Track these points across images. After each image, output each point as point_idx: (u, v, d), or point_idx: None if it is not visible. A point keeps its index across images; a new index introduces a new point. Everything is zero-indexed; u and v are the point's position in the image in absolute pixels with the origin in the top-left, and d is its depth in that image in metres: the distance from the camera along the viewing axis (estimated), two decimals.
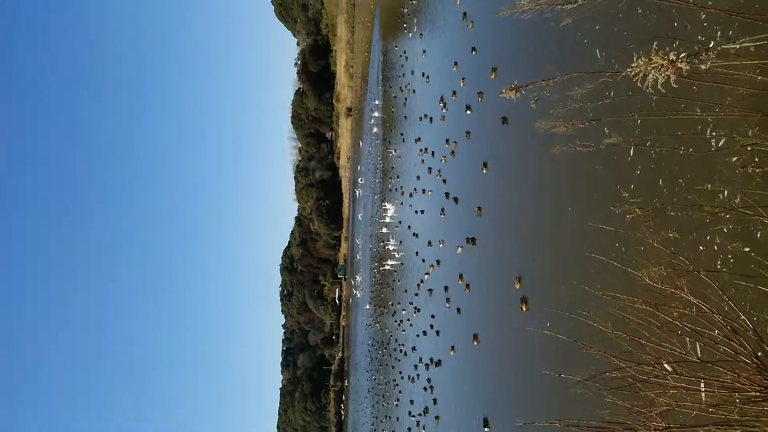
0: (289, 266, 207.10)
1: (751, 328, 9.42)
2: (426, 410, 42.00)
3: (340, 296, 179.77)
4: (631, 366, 10.41)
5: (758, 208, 10.36)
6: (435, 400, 39.44)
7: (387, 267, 73.72)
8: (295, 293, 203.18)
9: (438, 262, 40.34)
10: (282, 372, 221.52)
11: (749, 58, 10.17)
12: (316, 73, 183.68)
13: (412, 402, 47.95)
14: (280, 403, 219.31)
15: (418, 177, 50.43)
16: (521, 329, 22.15)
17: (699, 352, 10.31)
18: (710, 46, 9.97)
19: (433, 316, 41.17)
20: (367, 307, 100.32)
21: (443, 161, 39.61)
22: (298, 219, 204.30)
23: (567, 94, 12.11)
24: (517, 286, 22.96)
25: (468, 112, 32.46)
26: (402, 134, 65.56)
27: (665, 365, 9.77)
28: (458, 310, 33.45)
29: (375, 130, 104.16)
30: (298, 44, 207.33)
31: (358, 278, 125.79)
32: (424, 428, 41.32)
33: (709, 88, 11.78)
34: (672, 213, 12.49)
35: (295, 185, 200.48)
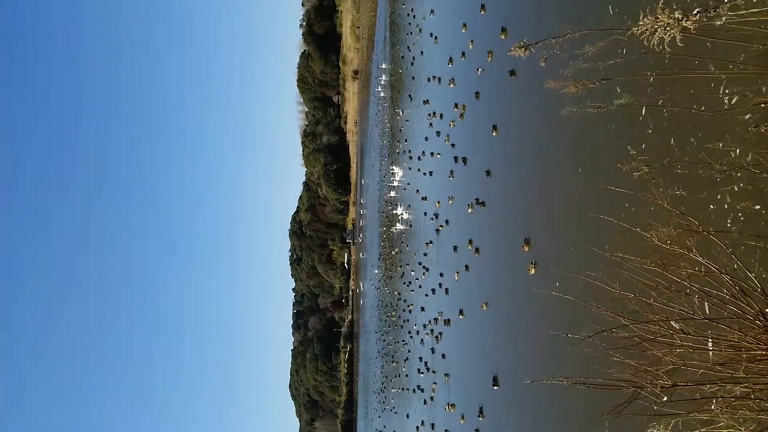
0: (297, 231, 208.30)
1: (759, 288, 9.46)
2: (434, 370, 42.79)
3: (348, 260, 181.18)
4: (638, 325, 10.52)
5: None
6: (444, 355, 40.10)
7: (395, 230, 74.03)
8: (304, 258, 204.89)
9: (447, 222, 40.41)
10: (293, 334, 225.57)
11: (765, 14, 9.92)
12: (321, 34, 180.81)
13: (421, 359, 48.78)
14: (291, 364, 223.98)
15: (426, 138, 50.10)
16: (529, 291, 22.32)
17: (707, 311, 10.38)
18: (724, 0, 9.71)
19: (441, 275, 41.49)
20: (376, 271, 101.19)
21: (452, 126, 39.24)
22: (306, 184, 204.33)
23: (577, 53, 11.88)
24: (526, 249, 23.03)
25: (477, 72, 31.99)
26: (410, 96, 64.86)
27: (673, 323, 9.87)
28: (466, 267, 33.64)
29: (382, 93, 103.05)
30: (303, 4, 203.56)
31: (367, 242, 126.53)
32: (434, 384, 42.13)
33: (723, 45, 11.52)
34: (680, 171, 12.39)
35: (303, 150, 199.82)
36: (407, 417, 56.59)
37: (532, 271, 22.24)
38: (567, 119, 16.28)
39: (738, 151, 11.26)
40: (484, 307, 29.39)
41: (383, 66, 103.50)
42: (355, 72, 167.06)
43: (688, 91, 12.43)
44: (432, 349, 44.45)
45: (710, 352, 9.67)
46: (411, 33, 67.28)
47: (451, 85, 39.94)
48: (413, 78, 63.43)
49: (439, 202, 43.83)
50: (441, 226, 42.02)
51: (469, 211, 32.56)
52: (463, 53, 36.24)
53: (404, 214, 67.61)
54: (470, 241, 32.63)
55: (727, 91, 11.50)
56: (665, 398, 10.18)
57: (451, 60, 40.49)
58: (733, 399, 9.30)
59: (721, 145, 11.63)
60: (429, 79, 50.11)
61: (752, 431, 9.01)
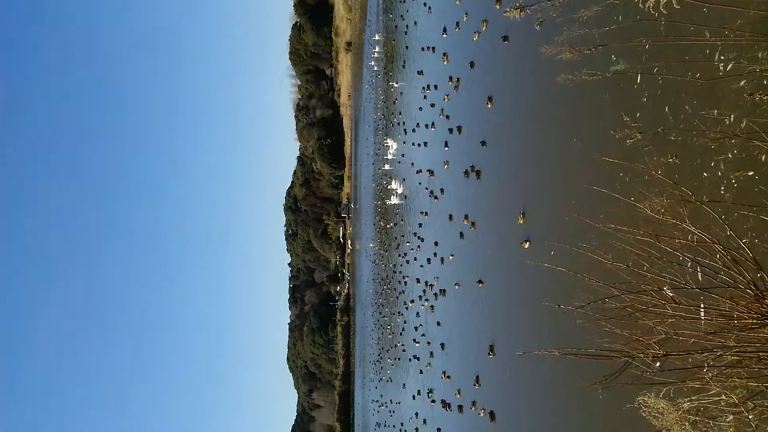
0: (292, 206, 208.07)
1: (751, 257, 9.45)
2: (429, 340, 43.23)
3: (344, 234, 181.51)
4: (630, 295, 10.54)
5: (763, 135, 10.16)
6: (438, 323, 40.44)
7: (390, 203, 73.99)
8: (299, 232, 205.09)
9: (442, 191, 40.30)
10: (290, 308, 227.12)
11: None
12: (313, 5, 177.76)
13: (416, 329, 49.23)
14: (288, 337, 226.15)
15: (421, 108, 49.66)
16: (523, 263, 22.37)
17: (699, 280, 10.39)
18: None
19: (436, 244, 41.59)
20: (371, 244, 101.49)
21: (446, 100, 38.83)
22: (300, 159, 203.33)
23: (573, 17, 11.65)
24: (521, 221, 23.01)
25: (474, 38, 31.47)
26: (404, 66, 64.13)
27: (665, 289, 9.89)
28: (461, 235, 33.67)
29: (375, 66, 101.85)
30: None
31: (362, 216, 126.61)
32: (431, 354, 42.60)
33: (719, 11, 11.31)
34: (674, 138, 12.28)
35: (296, 124, 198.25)
36: (403, 387, 57.39)
37: (527, 245, 22.26)
38: (562, 87, 16.06)
39: (732, 118, 11.13)
40: (480, 284, 29.51)
41: (376, 37, 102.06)
42: (348, 44, 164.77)
43: (683, 58, 12.24)
44: (427, 319, 44.83)
45: (702, 322, 9.71)
46: (404, 0, 66.17)
47: (445, 61, 39.43)
48: (407, 47, 62.63)
49: (433, 173, 43.65)
50: (436, 197, 41.93)
51: (465, 178, 32.42)
52: (458, 23, 35.68)
53: (399, 187, 67.47)
54: (466, 216, 32.60)
55: (722, 58, 11.32)
56: (657, 364, 10.26)
57: (445, 30, 39.89)
58: (723, 367, 9.37)
59: (715, 112, 11.50)
60: (423, 49, 49.46)
61: (741, 398, 9.10)
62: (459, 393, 33.36)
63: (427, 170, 45.55)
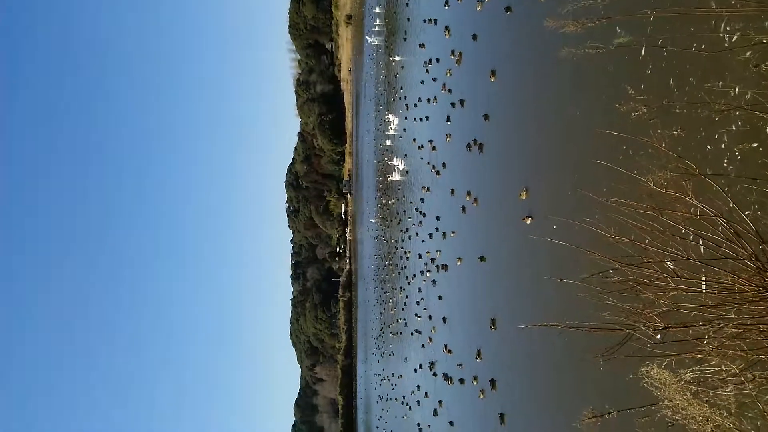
0: (294, 183, 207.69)
1: (753, 230, 9.46)
2: (431, 314, 43.57)
3: (345, 211, 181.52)
4: (632, 269, 10.58)
5: None
6: (440, 297, 40.71)
7: (392, 179, 73.81)
8: (301, 209, 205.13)
9: (444, 165, 40.19)
10: (292, 284, 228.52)
11: None
12: None
13: (418, 303, 49.60)
14: (291, 312, 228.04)
15: (422, 82, 49.24)
16: (525, 238, 22.41)
17: (702, 252, 10.42)
18: None
19: (438, 218, 41.63)
20: (373, 220, 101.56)
21: (448, 74, 38.44)
22: (301, 135, 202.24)
23: None
24: (524, 197, 22.97)
25: (477, 8, 31.02)
26: (405, 38, 63.38)
27: (667, 263, 9.93)
28: (463, 209, 33.71)
29: (376, 40, 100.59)
30: None
31: (364, 192, 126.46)
32: (433, 329, 42.98)
33: None
34: (679, 111, 12.18)
35: (297, 100, 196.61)
36: (405, 360, 58.03)
37: (529, 221, 22.27)
38: (566, 60, 15.90)
39: (737, 90, 11.03)
40: (482, 260, 29.58)
41: (377, 10, 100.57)
42: (348, 17, 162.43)
43: (689, 30, 12.08)
44: (429, 293, 45.10)
45: (703, 294, 9.77)
46: None
47: (447, 35, 38.95)
48: (408, 19, 61.79)
49: (435, 147, 43.48)
50: (438, 172, 41.82)
51: (467, 151, 32.29)
52: None
53: (400, 162, 67.24)
54: (468, 192, 32.53)
55: (728, 29, 11.17)
56: (658, 336, 10.36)
57: (447, 2, 39.33)
58: (724, 339, 9.46)
59: (720, 84, 11.40)
60: (425, 21, 48.81)
61: (742, 369, 9.20)
62: (461, 366, 33.75)
63: (430, 143, 45.35)
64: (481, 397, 28.65)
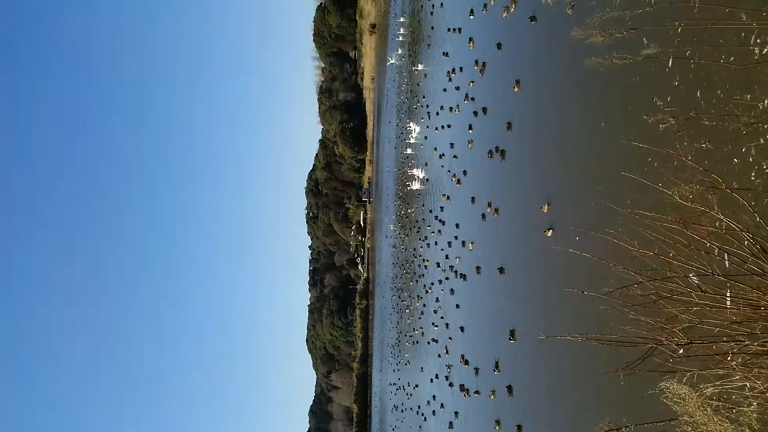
0: (314, 189, 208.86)
1: None
2: (448, 323, 43.35)
3: (364, 218, 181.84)
4: (655, 283, 10.45)
5: None
6: (458, 305, 40.48)
7: (412, 187, 73.83)
8: (320, 216, 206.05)
9: (465, 173, 40.10)
10: (309, 290, 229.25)
11: None
12: None
13: (435, 312, 49.37)
14: (308, 319, 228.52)
15: (445, 90, 49.30)
16: (546, 250, 22.24)
17: (726, 266, 10.26)
18: None
19: (458, 226, 41.50)
20: (392, 227, 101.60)
21: (471, 85, 38.46)
22: (322, 142, 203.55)
23: (605, 0, 11.45)
24: (545, 210, 22.81)
25: (503, 15, 31.02)
26: (429, 47, 63.58)
27: (691, 277, 9.79)
28: (483, 217, 33.57)
29: (399, 49, 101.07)
30: None
31: (383, 200, 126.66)
32: (450, 339, 42.75)
33: None
34: (706, 123, 12.04)
35: (319, 107, 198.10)
36: (421, 370, 57.73)
37: (550, 233, 22.10)
38: (591, 70, 15.81)
39: (766, 103, 10.88)
40: (501, 272, 29.39)
41: (401, 20, 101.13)
42: (372, 26, 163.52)
43: (717, 42, 11.96)
44: (446, 302, 44.89)
45: (728, 310, 9.61)
46: None
47: (471, 46, 39.00)
48: (432, 28, 62.01)
49: (456, 155, 43.43)
50: (459, 180, 41.73)
51: (489, 158, 32.20)
52: (485, 5, 35.22)
53: (421, 171, 67.26)
54: (489, 204, 32.40)
55: (758, 41, 11.04)
56: (681, 351, 10.20)
57: (472, 11, 39.40)
58: (748, 356, 9.29)
59: (749, 97, 11.25)
60: (449, 30, 48.93)
61: (767, 386, 9.01)
62: (477, 374, 33.49)
63: (451, 151, 45.29)
64: (498, 408, 28.40)
